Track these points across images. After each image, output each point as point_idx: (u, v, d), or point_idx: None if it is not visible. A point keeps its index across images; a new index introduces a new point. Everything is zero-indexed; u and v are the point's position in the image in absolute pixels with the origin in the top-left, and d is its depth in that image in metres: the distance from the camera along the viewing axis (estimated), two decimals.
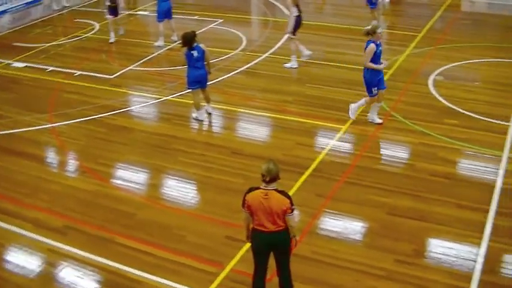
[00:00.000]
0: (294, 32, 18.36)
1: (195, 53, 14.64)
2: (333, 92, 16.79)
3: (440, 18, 24.43)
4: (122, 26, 22.84)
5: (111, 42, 21.85)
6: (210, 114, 15.56)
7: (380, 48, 14.07)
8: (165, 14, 21.16)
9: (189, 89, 15.20)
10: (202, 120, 15.28)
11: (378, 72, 14.23)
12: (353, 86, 16.80)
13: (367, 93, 14.43)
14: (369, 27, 14.22)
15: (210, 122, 15.42)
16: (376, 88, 14.28)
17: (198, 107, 15.24)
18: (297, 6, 18.09)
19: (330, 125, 14.84)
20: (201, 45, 14.76)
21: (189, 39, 14.60)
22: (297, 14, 18.13)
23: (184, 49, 14.71)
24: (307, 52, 19.03)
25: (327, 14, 26.79)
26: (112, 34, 21.97)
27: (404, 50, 20.01)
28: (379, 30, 13.90)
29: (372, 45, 13.86)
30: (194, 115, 15.41)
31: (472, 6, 28.47)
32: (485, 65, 18.81)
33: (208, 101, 15.52)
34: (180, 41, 14.91)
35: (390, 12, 25.71)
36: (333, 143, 14.00)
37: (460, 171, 12.95)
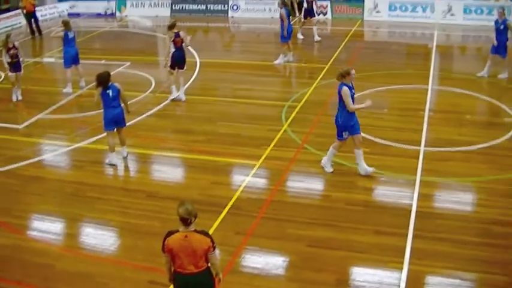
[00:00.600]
0: (172, 66, 19.16)
1: (110, 92, 14.51)
2: (244, 129, 16.93)
3: (345, 49, 25.07)
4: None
5: (16, 101, 20.38)
6: (125, 157, 15.45)
7: (353, 91, 13.48)
8: (72, 59, 21.01)
9: (105, 130, 15.03)
10: (115, 165, 15.12)
11: (352, 116, 13.53)
12: (263, 122, 17.06)
13: (336, 138, 13.93)
14: (342, 70, 13.45)
15: (124, 166, 15.25)
16: (347, 132, 13.66)
17: (112, 150, 15.06)
18: (174, 42, 18.83)
19: (244, 161, 14.92)
20: (116, 84, 14.68)
21: (104, 79, 14.47)
22: (174, 50, 18.86)
23: (99, 89, 14.54)
24: (182, 96, 19.70)
25: (235, 51, 27.14)
26: (18, 93, 20.51)
27: (313, 82, 20.38)
28: (352, 72, 13.32)
29: (346, 88, 13.21)
30: (107, 160, 15.21)
31: (374, 35, 29.30)
32: (390, 91, 19.36)
33: (123, 143, 15.41)
34: (95, 82, 14.68)
35: (298, 46, 26.17)
36: (248, 179, 14.04)
37: (376, 198, 13.19)
